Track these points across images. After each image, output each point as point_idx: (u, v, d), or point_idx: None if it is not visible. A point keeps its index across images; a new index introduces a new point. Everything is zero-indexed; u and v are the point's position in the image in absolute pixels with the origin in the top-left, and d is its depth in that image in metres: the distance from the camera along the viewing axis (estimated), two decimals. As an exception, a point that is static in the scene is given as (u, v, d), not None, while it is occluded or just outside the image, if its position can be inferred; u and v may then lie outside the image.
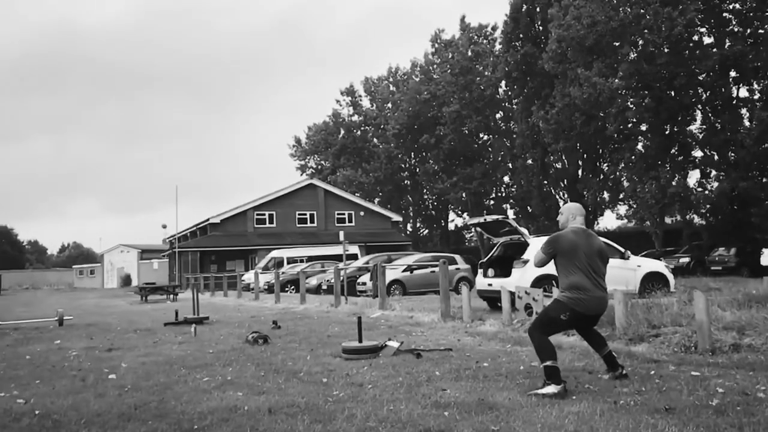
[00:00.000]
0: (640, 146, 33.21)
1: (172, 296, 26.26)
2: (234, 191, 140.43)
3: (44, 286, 65.06)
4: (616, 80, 29.58)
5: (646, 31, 28.72)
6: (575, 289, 5.19)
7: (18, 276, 70.93)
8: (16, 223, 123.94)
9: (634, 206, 33.38)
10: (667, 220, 34.85)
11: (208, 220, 43.23)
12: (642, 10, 28.45)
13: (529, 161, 42.36)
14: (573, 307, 5.18)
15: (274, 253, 34.91)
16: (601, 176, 38.17)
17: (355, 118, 59.72)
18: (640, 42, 30.10)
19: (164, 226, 47.96)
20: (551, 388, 4.84)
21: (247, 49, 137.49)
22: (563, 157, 39.75)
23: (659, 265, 14.42)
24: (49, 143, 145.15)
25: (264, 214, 44.13)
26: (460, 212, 53.75)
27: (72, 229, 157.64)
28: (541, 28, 39.23)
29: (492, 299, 13.26)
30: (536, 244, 11.77)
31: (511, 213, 47.97)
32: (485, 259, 14.09)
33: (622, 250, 13.67)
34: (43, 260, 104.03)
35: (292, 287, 26.98)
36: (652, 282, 13.34)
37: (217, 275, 33.22)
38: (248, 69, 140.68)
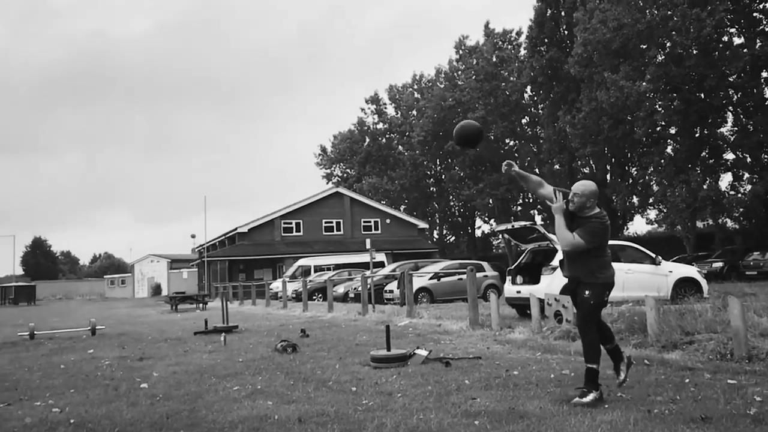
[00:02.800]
0: (669, 150, 32.72)
1: (201, 305, 26.52)
2: (261, 200, 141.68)
3: (77, 296, 66.26)
4: (644, 83, 29.20)
5: (674, 32, 28.33)
6: (605, 268, 5.15)
7: (52, 286, 72.37)
8: (50, 235, 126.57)
9: (665, 210, 32.85)
10: (699, 224, 34.23)
11: (236, 229, 43.65)
12: (669, 12, 28.08)
13: (557, 166, 42.02)
14: (609, 281, 5.16)
15: (302, 262, 35.08)
16: (630, 180, 37.67)
17: (380, 125, 59.90)
18: (668, 44, 29.69)
19: (193, 236, 48.60)
20: (592, 396, 4.79)
21: (272, 59, 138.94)
22: (591, 162, 39.34)
23: (692, 271, 14.16)
24: (80, 155, 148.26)
25: (291, 223, 44.42)
26: (486, 219, 53.46)
27: (103, 239, 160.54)
28: (566, 32, 38.99)
29: (521, 306, 13.15)
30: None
31: (538, 219, 47.58)
32: (513, 266, 13.98)
33: (653, 255, 13.47)
34: (76, 271, 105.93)
35: (320, 295, 27.06)
36: (685, 288, 13.11)
37: (245, 284, 33.48)
38: (274, 79, 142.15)
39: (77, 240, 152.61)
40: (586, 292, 5.05)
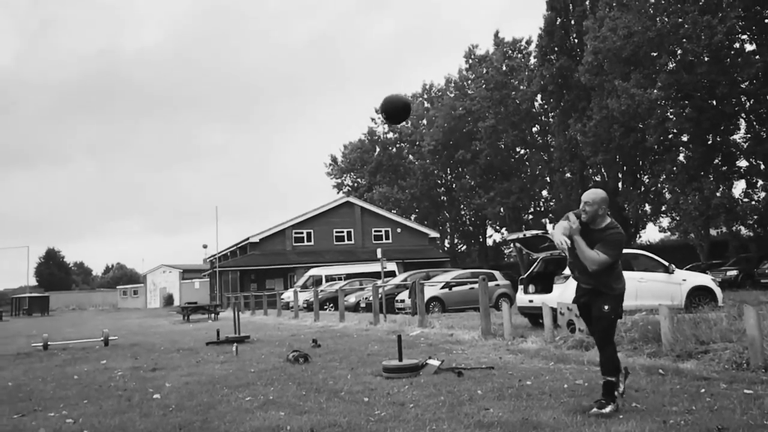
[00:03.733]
0: (681, 157, 32.52)
1: (213, 315, 26.58)
2: (272, 210, 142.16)
3: (90, 307, 66.65)
4: (655, 91, 29.08)
5: (684, 40, 28.22)
6: (620, 279, 5.14)
7: (65, 297, 72.85)
8: (63, 246, 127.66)
9: (677, 218, 32.61)
10: (713, 232, 33.93)
11: (247, 239, 43.78)
12: (680, 19, 27.99)
13: (568, 175, 41.89)
14: (623, 291, 5.13)
15: (313, 271, 35.11)
16: (642, 188, 37.46)
17: (390, 135, 60.00)
18: (679, 51, 29.58)
19: (205, 246, 48.74)
20: (611, 407, 4.76)
21: (282, 69, 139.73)
22: (602, 170, 39.20)
23: (706, 279, 14.03)
24: (93, 167, 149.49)
25: (302, 233, 44.51)
26: (498, 227, 53.32)
27: (116, 250, 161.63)
28: (576, 40, 38.97)
29: (533, 316, 13.09)
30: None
31: (550, 228, 47.35)
32: (525, 275, 13.92)
33: (666, 263, 13.37)
34: (89, 281, 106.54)
35: (331, 305, 27.06)
36: (699, 296, 12.99)
37: (256, 294, 33.54)
38: (284, 89, 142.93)
39: (90, 251, 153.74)
40: (606, 306, 5.01)
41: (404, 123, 58.87)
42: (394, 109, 5.30)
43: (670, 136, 31.16)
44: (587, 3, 38.22)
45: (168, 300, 57.96)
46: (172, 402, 6.24)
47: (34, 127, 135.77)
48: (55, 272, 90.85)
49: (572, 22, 38.97)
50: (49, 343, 13.48)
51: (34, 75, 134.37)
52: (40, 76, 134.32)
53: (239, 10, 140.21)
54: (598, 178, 40.24)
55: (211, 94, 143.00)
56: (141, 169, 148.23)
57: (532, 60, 45.17)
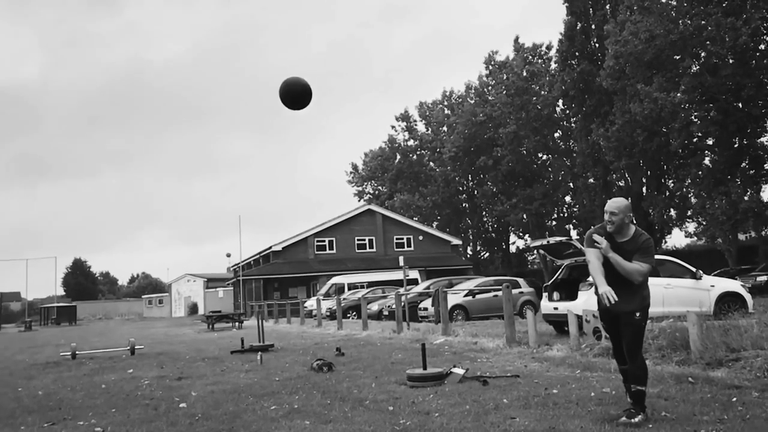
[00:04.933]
0: (707, 161, 32.04)
1: (237, 324, 26.74)
2: (294, 219, 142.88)
3: (116, 316, 67.49)
4: (679, 94, 28.73)
5: (708, 42, 27.87)
6: (647, 287, 5.07)
7: (92, 306, 73.87)
8: (90, 256, 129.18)
9: (704, 223, 32.09)
10: (741, 236, 33.35)
11: (270, 248, 44.03)
12: (703, 22, 27.66)
13: (591, 180, 41.49)
14: (650, 299, 5.07)
15: (335, 280, 35.18)
16: (667, 193, 36.96)
17: (411, 142, 60.03)
18: (703, 54, 29.21)
19: (228, 255, 49.16)
20: (640, 417, 4.70)
21: (305, 77, 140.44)
22: (626, 175, 38.76)
23: (735, 285, 13.77)
24: (119, 178, 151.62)
25: (324, 241, 44.65)
26: (521, 234, 52.94)
27: (141, 260, 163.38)
28: (597, 45, 38.68)
29: (558, 323, 12.96)
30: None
31: (574, 234, 46.94)
32: (550, 282, 13.80)
33: (694, 269, 13.16)
34: (115, 291, 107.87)
35: (354, 313, 27.08)
36: (728, 303, 12.74)
37: (280, 302, 33.68)
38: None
39: (116, 261, 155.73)
40: (637, 314, 4.94)
41: (424, 130, 58.90)
42: (294, 94, 4.98)
43: (694, 139, 30.73)
44: (608, 7, 37.94)
45: (192, 309, 58.46)
46: (198, 411, 6.28)
47: (60, 140, 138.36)
48: (82, 282, 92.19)
49: (593, 26, 38.69)
50: (77, 352, 13.66)
51: (60, 87, 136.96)
52: (66, 89, 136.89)
53: (261, 20, 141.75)
54: (621, 184, 39.81)
55: (234, 104, 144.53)
56: (166, 179, 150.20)
57: (553, 65, 44.93)
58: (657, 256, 13.72)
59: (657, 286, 11.37)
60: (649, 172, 37.84)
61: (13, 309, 67.87)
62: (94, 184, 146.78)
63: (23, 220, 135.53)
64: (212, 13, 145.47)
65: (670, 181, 37.39)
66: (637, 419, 4.67)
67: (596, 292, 5.16)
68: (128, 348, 14.08)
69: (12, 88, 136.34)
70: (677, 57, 29.73)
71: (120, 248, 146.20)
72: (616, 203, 5.06)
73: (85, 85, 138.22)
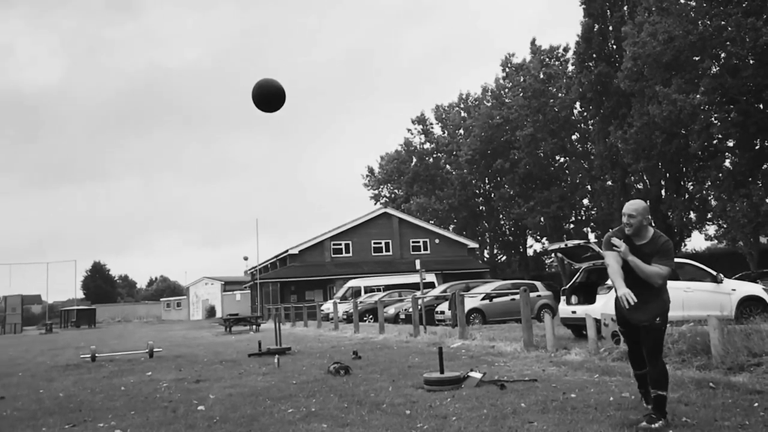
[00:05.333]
0: (727, 163, 31.67)
1: (254, 327, 26.85)
2: (311, 222, 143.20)
3: (134, 319, 68.11)
4: (698, 96, 28.43)
5: (728, 43, 27.56)
6: (667, 290, 5.01)
7: (111, 309, 74.62)
8: (109, 259, 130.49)
9: (724, 226, 31.72)
10: (762, 239, 32.88)
11: (287, 251, 44.20)
12: (723, 22, 27.35)
13: (609, 183, 41.18)
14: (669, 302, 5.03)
15: (352, 283, 35.21)
16: (687, 196, 36.57)
17: (427, 145, 59.98)
18: (723, 55, 28.87)
19: (245, 258, 49.39)
20: (661, 423, 4.65)
21: (318, 83, 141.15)
22: (644, 178, 38.41)
23: (756, 288, 13.59)
24: (137, 182, 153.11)
25: (340, 244, 44.74)
26: (538, 237, 52.67)
27: (159, 263, 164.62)
28: (614, 46, 38.42)
29: (576, 327, 12.88)
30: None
31: (592, 237, 46.59)
32: (568, 286, 13.71)
33: (714, 273, 13.01)
34: (133, 294, 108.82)
35: (370, 316, 27.08)
36: (750, 306, 12.59)
37: (297, 305, 33.78)
38: (321, 102, 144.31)
39: (134, 264, 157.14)
40: (658, 319, 4.89)
41: (440, 133, 58.82)
42: (268, 96, 4.71)
43: (714, 141, 30.38)
44: (625, 9, 37.69)
45: (210, 312, 58.80)
46: (216, 414, 6.32)
47: (80, 145, 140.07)
48: (101, 285, 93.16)
49: (610, 28, 38.44)
50: (96, 354, 13.80)
51: (81, 93, 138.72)
52: (86, 95, 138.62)
53: (277, 25, 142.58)
54: (640, 186, 39.46)
55: (251, 109, 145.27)
56: (183, 183, 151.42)
57: (570, 67, 44.69)
58: (677, 260, 13.61)
59: (677, 289, 11.25)
60: (668, 175, 37.47)
61: (34, 312, 68.72)
62: (113, 189, 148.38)
63: (44, 224, 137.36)
64: (229, 19, 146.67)
65: (690, 184, 37.00)
66: (657, 425, 4.62)
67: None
68: (147, 351, 14.19)
69: (34, 95, 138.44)
70: (696, 58, 29.44)
71: (139, 251, 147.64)
72: (634, 205, 5.01)
73: (105, 90, 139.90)
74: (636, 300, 4.60)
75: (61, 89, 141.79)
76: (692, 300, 11.96)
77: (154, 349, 14.34)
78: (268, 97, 4.71)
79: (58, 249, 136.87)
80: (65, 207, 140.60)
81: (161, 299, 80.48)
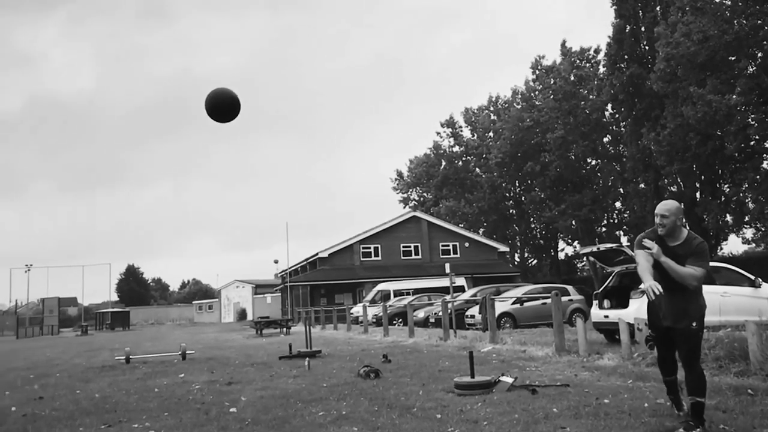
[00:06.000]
0: (765, 165, 30.93)
1: (285, 330, 27.04)
2: (340, 226, 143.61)
3: (167, 321, 69.11)
4: (734, 96, 27.84)
5: (765, 42, 26.97)
6: (702, 293, 4.91)
7: (144, 312, 75.86)
8: (142, 262, 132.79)
9: (763, 229, 30.97)
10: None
11: (316, 254, 44.42)
12: (759, 21, 26.77)
13: (642, 185, 40.52)
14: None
15: (381, 286, 35.22)
16: (723, 198, 35.79)
17: (456, 149, 59.74)
18: (759, 54, 28.25)
19: (276, 262, 49.79)
20: (699, 430, 4.56)
21: (348, 87, 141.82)
22: (678, 180, 37.71)
23: (796, 293, 13.21)
24: (169, 186, 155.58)
25: (369, 248, 44.80)
26: (570, 241, 52.04)
27: (191, 266, 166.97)
28: (647, 47, 37.84)
29: (609, 331, 12.69)
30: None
31: (625, 240, 45.88)
32: (600, 290, 13.52)
33: (752, 277, 12.71)
34: (166, 296, 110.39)
35: (400, 320, 27.05)
36: (789, 312, 12.23)
37: (326, 308, 33.92)
38: (350, 106, 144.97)
39: (167, 267, 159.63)
40: (694, 324, 4.79)
41: (470, 136, 58.56)
42: (221, 105, 4.54)
43: (751, 142, 29.72)
44: (658, 9, 37.07)
45: (241, 314, 59.37)
46: (248, 416, 6.37)
47: (114, 150, 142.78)
48: (135, 288, 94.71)
49: (642, 29, 37.87)
50: (130, 356, 14.04)
51: (115, 99, 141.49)
52: (119, 100, 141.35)
53: (307, 30, 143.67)
54: (674, 189, 38.74)
55: (281, 113, 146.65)
56: (214, 187, 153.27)
57: (601, 69, 44.13)
58: (713, 263, 13.35)
59: (713, 294, 11.02)
60: (702, 177, 36.73)
61: (71, 314, 70.23)
62: (146, 193, 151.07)
63: (79, 227, 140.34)
64: (259, 25, 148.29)
65: (726, 186, 36.21)
66: None
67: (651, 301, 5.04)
68: (180, 353, 14.39)
69: (70, 102, 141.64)
70: (732, 58, 28.85)
71: (171, 255, 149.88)
72: (666, 205, 4.92)
73: (137, 96, 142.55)
74: (662, 291, 4.49)
75: (94, 96, 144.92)
76: (729, 305, 11.71)
77: (187, 352, 14.53)
78: (223, 107, 4.58)
79: (94, 252, 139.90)
80: (100, 211, 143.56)
81: (193, 302, 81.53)
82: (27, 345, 28.69)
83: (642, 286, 4.69)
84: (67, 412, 7.21)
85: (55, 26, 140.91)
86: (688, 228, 5.02)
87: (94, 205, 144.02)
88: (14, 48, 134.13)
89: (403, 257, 45.07)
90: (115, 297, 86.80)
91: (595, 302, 13.27)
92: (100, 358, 16.36)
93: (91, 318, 61.28)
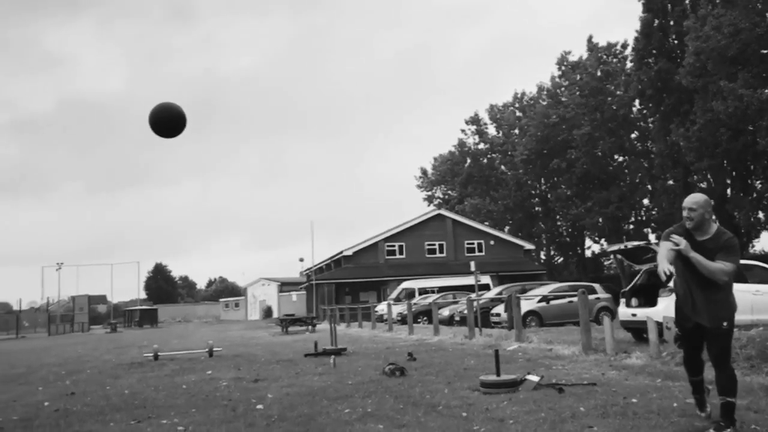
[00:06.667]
0: (799, 160, 30.28)
1: (310, 327, 27.17)
2: (365, 224, 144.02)
3: (194, 319, 69.90)
4: (766, 91, 27.28)
5: (798, 35, 26.39)
6: (732, 293, 4.79)
7: (172, 309, 76.82)
8: (170, 261, 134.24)
9: (796, 226, 30.32)
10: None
11: (341, 252, 44.57)
12: (792, 13, 26.21)
13: (670, 182, 39.91)
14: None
15: (406, 284, 35.20)
16: (754, 195, 35.08)
17: (481, 146, 59.42)
18: (792, 47, 27.66)
19: (301, 260, 50.14)
20: (731, 430, 4.48)
21: (372, 85, 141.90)
22: (708, 176, 37.06)
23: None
24: (196, 185, 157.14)
25: (394, 246, 44.80)
26: (596, 238, 51.48)
27: (218, 264, 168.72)
28: (675, 41, 37.22)
29: (637, 330, 12.52)
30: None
31: (652, 238, 45.23)
32: (627, 288, 13.34)
33: (786, 275, 12.42)
34: (193, 294, 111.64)
35: (425, 318, 27.01)
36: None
37: (351, 306, 34.01)
38: (374, 104, 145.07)
39: (194, 265, 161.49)
40: (725, 323, 4.69)
41: (495, 133, 58.17)
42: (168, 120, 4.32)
43: (785, 137, 29.07)
44: (687, 2, 36.44)
45: (267, 312, 59.77)
46: (275, 413, 6.42)
47: (141, 150, 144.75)
48: (163, 286, 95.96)
49: (671, 22, 37.25)
50: (159, 353, 14.22)
51: (143, 99, 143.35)
52: (147, 101, 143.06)
53: (330, 30, 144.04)
54: (703, 185, 38.06)
55: (306, 112, 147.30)
56: (241, 186, 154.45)
57: (629, 64, 43.55)
58: (744, 261, 13.09)
59: (745, 292, 10.82)
60: (734, 173, 36.05)
61: (100, 311, 71.41)
62: (173, 192, 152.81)
63: (108, 226, 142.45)
64: (283, 25, 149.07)
65: (758, 182, 35.48)
66: None
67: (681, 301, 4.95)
68: (207, 350, 14.54)
69: (99, 103, 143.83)
70: (764, 51, 28.27)
71: (198, 253, 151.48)
72: (694, 198, 4.82)
73: (165, 97, 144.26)
74: (672, 271, 4.43)
75: (124, 95, 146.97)
76: (762, 303, 11.47)
77: (214, 349, 14.67)
78: (168, 123, 4.33)
79: (122, 251, 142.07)
80: (129, 210, 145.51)
81: (220, 300, 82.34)
82: (58, 342, 29.27)
83: (658, 268, 4.61)
84: (98, 408, 7.33)
85: (85, 29, 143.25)
86: (717, 222, 4.92)
87: (123, 204, 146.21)
88: (46, 51, 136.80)
89: (427, 255, 44.99)
90: (143, 295, 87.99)
91: (623, 300, 13.10)
92: (129, 354, 16.61)
93: (119, 315, 62.24)
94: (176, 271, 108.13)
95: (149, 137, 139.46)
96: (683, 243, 4.68)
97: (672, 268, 4.44)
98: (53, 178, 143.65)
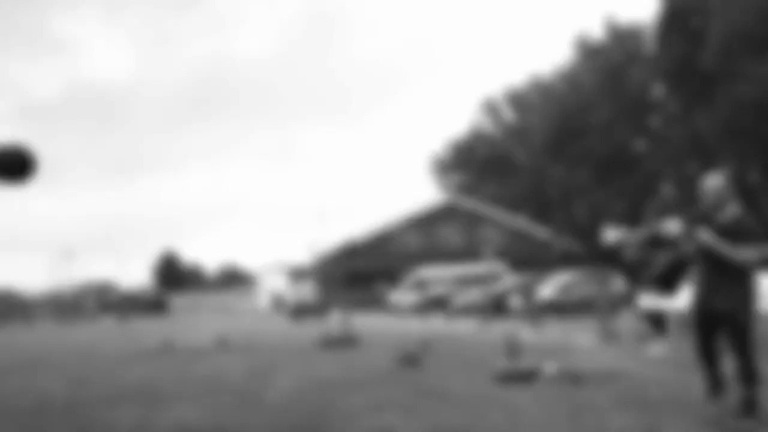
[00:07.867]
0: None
1: (321, 316, 27.17)
2: (377, 210, 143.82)
3: (204, 307, 70.32)
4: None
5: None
6: (753, 280, 4.61)
7: (182, 297, 77.22)
8: (180, 248, 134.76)
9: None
10: None
11: (354, 240, 44.46)
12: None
13: (692, 168, 39.31)
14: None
15: (419, 272, 35.06)
16: (778, 180, 34.44)
17: (496, 131, 58.85)
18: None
19: (312, 248, 49.97)
20: (753, 421, 4.32)
21: (384, 67, 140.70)
22: (732, 162, 36.42)
23: None
24: (206, 170, 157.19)
25: (408, 233, 44.62)
26: (615, 226, 50.92)
27: (228, 250, 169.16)
28: (699, 23, 36.45)
29: (656, 320, 12.26)
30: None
31: (671, 226, 44.64)
32: (647, 277, 13.07)
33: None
34: (203, 282, 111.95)
35: (438, 307, 26.87)
36: None
37: (363, 295, 33.93)
38: (387, 87, 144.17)
39: (204, 252, 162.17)
40: (746, 310, 4.52)
41: (511, 117, 57.60)
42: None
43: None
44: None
45: (277, 300, 59.95)
46: (286, 401, 6.33)
47: (151, 135, 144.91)
48: (173, 273, 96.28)
49: (694, 3, 36.47)
50: (169, 341, 14.21)
51: (152, 84, 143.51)
52: (156, 85, 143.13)
53: (342, 11, 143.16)
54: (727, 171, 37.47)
55: (317, 97, 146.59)
56: (250, 172, 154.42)
57: (650, 47, 42.78)
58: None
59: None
60: (760, 159, 35.35)
61: (110, 299, 71.97)
62: (182, 178, 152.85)
63: (118, 213, 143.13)
64: (294, 7, 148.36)
65: (784, 168, 34.82)
66: (747, 423, 4.29)
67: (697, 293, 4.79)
68: (217, 338, 14.51)
69: (107, 88, 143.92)
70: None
71: (208, 240, 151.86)
72: (713, 178, 4.73)
73: (174, 81, 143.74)
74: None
75: (133, 80, 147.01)
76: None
77: (225, 338, 14.64)
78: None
79: (132, 238, 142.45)
80: (138, 196, 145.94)
81: (230, 287, 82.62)
82: (67, 330, 29.46)
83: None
84: (109, 396, 7.29)
85: (92, 13, 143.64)
86: (737, 204, 4.73)
87: (133, 191, 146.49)
88: (52, 35, 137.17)
89: (441, 243, 44.77)
90: (153, 282, 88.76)
91: (642, 289, 12.84)
92: (139, 343, 16.61)
93: (129, 303, 62.72)
94: (186, 259, 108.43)
95: (158, 121, 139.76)
96: (705, 236, 4.57)
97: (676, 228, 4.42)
98: (61, 165, 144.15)
